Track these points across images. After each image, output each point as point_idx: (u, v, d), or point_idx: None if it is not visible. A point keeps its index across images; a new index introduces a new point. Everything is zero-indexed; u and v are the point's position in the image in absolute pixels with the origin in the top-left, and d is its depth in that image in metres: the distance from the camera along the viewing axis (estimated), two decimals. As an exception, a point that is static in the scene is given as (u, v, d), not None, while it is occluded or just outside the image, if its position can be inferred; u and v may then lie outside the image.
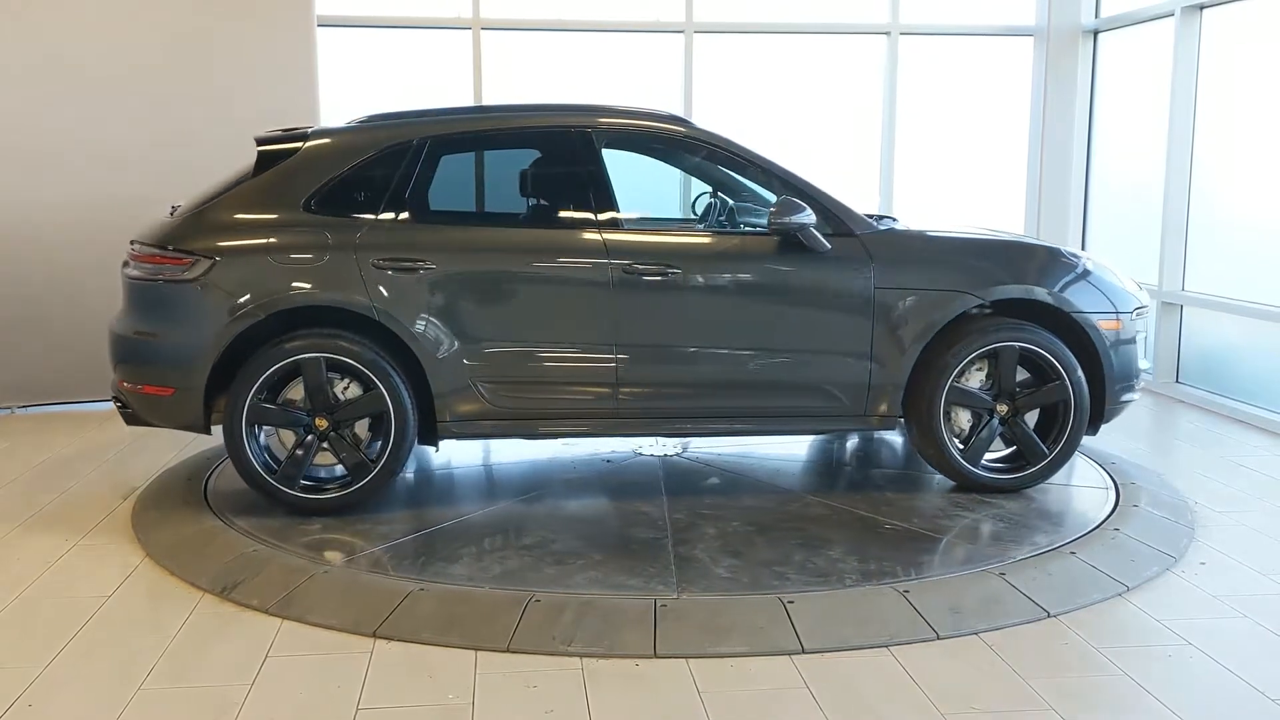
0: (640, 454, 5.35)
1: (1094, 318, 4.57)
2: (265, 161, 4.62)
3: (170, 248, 4.42)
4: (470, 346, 4.43)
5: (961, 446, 4.59)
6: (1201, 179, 6.90)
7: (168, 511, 4.58)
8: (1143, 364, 4.83)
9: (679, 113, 4.89)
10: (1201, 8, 6.83)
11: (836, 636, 3.38)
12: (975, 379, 4.60)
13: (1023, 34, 8.16)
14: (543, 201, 4.77)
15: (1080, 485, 4.84)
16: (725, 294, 4.53)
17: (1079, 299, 4.58)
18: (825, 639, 3.36)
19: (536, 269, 4.49)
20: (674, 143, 4.79)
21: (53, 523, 4.54)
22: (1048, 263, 4.70)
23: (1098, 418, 4.66)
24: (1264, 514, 4.58)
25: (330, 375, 4.38)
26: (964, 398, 4.56)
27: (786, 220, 4.39)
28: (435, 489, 5.09)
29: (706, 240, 4.70)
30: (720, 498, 4.69)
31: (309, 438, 4.39)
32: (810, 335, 4.53)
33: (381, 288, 4.38)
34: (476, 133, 4.76)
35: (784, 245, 4.48)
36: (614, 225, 4.51)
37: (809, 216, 4.41)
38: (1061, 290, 4.58)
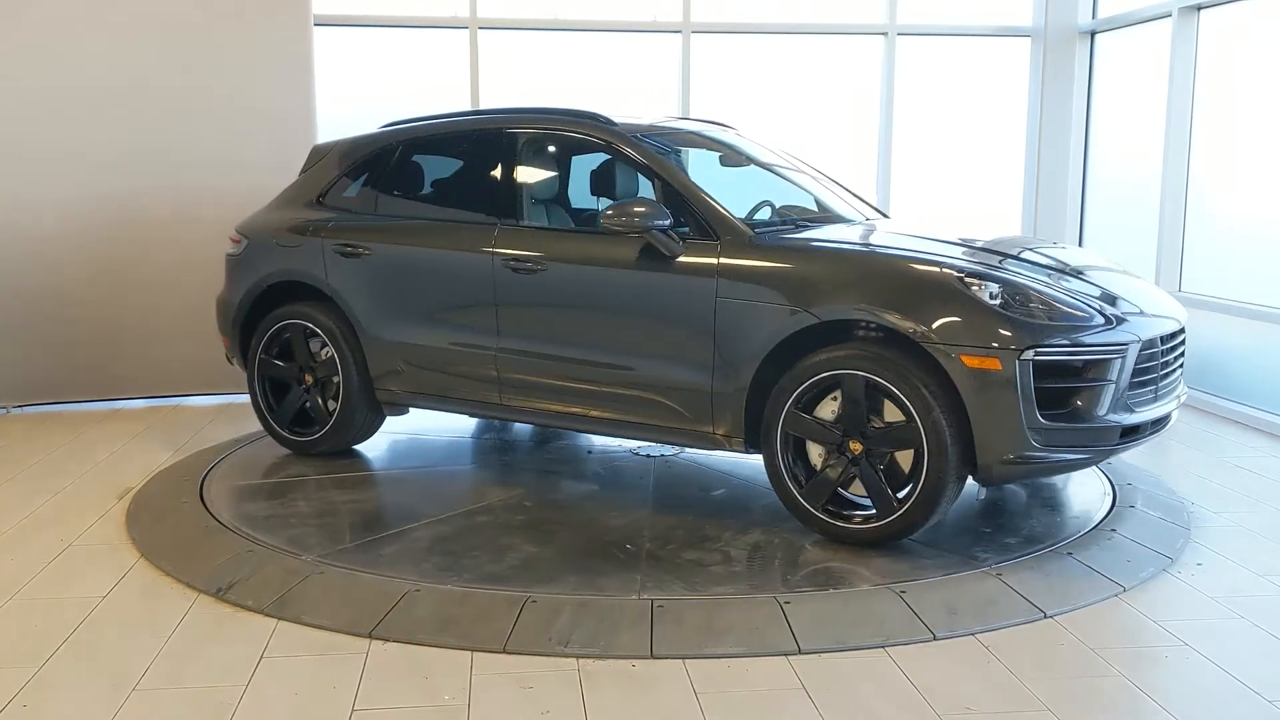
0: (635, 454, 5.37)
1: (953, 349, 3.76)
2: (309, 164, 5.62)
3: (235, 232, 5.62)
4: (393, 326, 5.01)
5: (802, 483, 4.09)
6: (1199, 180, 6.90)
7: (163, 512, 4.57)
8: (1112, 414, 3.86)
9: (602, 112, 4.85)
10: (1199, 8, 6.84)
11: (833, 637, 3.37)
12: (828, 409, 4.02)
13: (1020, 35, 8.17)
14: (463, 199, 5.20)
15: (1077, 486, 4.83)
16: (580, 293, 4.54)
17: (944, 326, 3.78)
18: (822, 640, 3.35)
19: (441, 262, 4.90)
20: (583, 142, 4.89)
21: (48, 523, 4.53)
22: (914, 281, 3.95)
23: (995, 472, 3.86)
24: (1261, 515, 4.58)
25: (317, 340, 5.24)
26: (805, 428, 4.04)
27: (621, 221, 4.24)
28: (398, 450, 5.65)
29: (574, 239, 4.70)
30: (579, 496, 4.80)
31: (301, 390, 5.30)
32: (652, 341, 4.34)
33: (336, 269, 5.15)
34: (432, 138, 5.29)
35: (645, 249, 4.31)
36: (513, 222, 4.79)
37: (653, 219, 4.22)
38: (917, 313, 3.82)
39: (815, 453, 4.08)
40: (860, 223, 4.94)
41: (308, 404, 5.31)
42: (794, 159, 5.50)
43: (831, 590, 3.67)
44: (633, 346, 4.40)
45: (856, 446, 3.96)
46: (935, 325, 3.80)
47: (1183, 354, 4.35)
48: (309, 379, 5.27)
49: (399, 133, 5.35)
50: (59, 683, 3.16)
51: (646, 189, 4.69)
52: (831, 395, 4.00)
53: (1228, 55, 6.71)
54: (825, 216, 4.98)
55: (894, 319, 3.86)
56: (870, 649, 3.32)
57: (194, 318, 6.70)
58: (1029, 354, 3.72)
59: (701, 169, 5.20)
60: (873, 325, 3.97)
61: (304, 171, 5.59)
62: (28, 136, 6.39)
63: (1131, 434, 3.98)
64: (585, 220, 5.24)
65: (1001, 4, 8.21)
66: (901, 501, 3.90)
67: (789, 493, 4.11)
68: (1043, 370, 3.75)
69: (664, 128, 5.33)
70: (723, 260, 4.20)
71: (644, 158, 4.58)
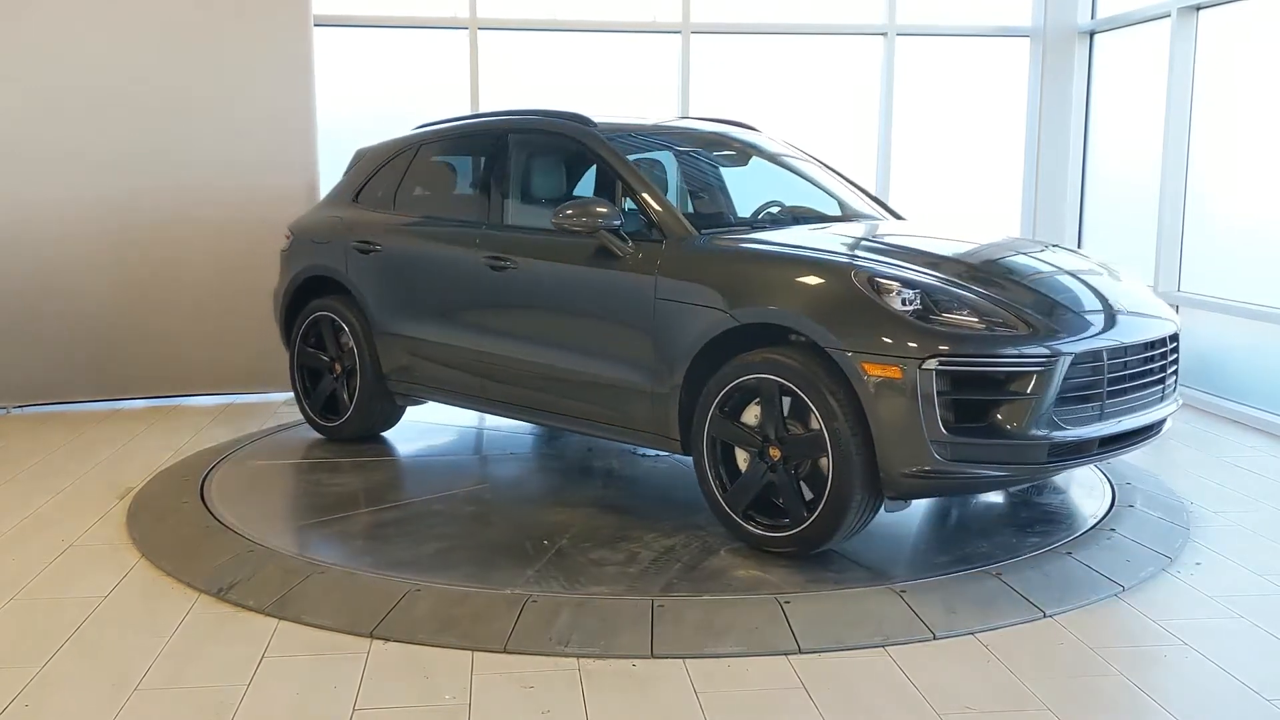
0: (632, 453, 5.37)
1: (855, 355, 3.63)
2: (350, 166, 5.89)
3: (287, 229, 5.92)
4: (398, 320, 5.22)
5: (726, 487, 4.02)
6: (1198, 180, 6.91)
7: (164, 512, 4.58)
8: (1039, 431, 3.60)
9: (585, 113, 4.92)
10: (1198, 8, 6.84)
11: (833, 637, 3.38)
12: (753, 414, 3.93)
13: (1019, 35, 8.17)
14: (458, 199, 5.41)
15: (1076, 486, 4.84)
16: (545, 291, 4.62)
17: (848, 331, 3.67)
18: (821, 639, 3.36)
19: (437, 260, 5.07)
20: (562, 142, 4.93)
21: (48, 523, 4.53)
22: (823, 284, 3.83)
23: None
24: (1260, 514, 4.59)
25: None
26: (728, 432, 3.98)
27: (573, 220, 4.29)
28: (427, 438, 5.86)
29: (545, 239, 4.66)
30: (541, 490, 4.94)
31: (331, 378, 5.57)
32: (602, 339, 4.39)
33: (355, 265, 5.40)
34: (438, 140, 5.49)
35: (599, 249, 4.35)
36: (498, 220, 4.92)
37: (603, 219, 4.26)
38: (823, 317, 3.74)
39: (742, 458, 4.00)
40: (860, 223, 4.93)
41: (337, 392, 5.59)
42: (810, 159, 5.48)
43: (830, 590, 3.67)
44: (586, 344, 4.46)
45: (776, 452, 3.85)
46: (839, 330, 3.69)
47: (1164, 365, 4.11)
48: (338, 368, 5.53)
49: (414, 135, 5.60)
50: (60, 682, 3.16)
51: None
52: (756, 400, 3.91)
53: (1227, 55, 6.71)
54: (821, 217, 4.96)
55: (802, 322, 3.80)
56: (870, 648, 3.33)
57: (194, 317, 6.71)
58: (931, 363, 3.54)
59: (704, 169, 5.22)
60: (739, 323, 3.93)
61: (346, 173, 5.88)
62: (28, 136, 6.38)
63: (1069, 452, 3.74)
64: None
65: (1001, 4, 8.20)
66: (810, 511, 3.78)
67: (713, 496, 4.05)
68: (951, 380, 3.57)
69: (672, 128, 5.39)
70: (663, 261, 4.21)
71: (608, 158, 4.62)
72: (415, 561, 3.97)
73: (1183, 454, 5.57)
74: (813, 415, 3.72)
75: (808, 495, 3.82)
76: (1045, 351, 3.65)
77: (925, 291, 3.73)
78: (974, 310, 3.71)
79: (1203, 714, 2.97)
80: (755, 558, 3.94)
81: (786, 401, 3.81)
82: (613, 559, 3.96)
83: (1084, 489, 4.78)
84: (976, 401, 3.62)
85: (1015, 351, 3.63)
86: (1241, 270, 6.57)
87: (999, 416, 3.61)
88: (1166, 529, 4.33)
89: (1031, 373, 3.61)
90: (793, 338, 3.88)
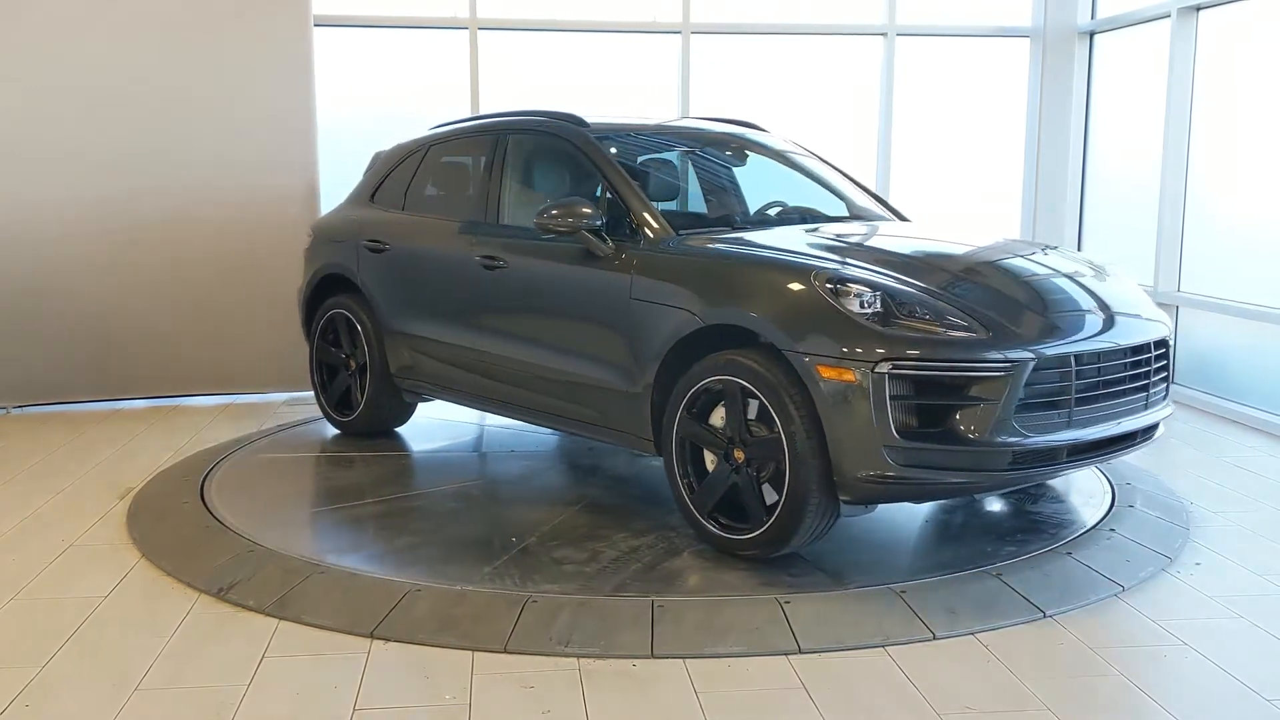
0: (631, 452, 5.36)
1: (810, 357, 3.58)
2: (368, 168, 5.98)
3: (309, 229, 6.07)
4: (402, 318, 5.31)
5: (694, 489, 3.99)
6: (1198, 180, 6.91)
7: (164, 512, 4.58)
8: (1000, 438, 3.51)
9: (580, 113, 4.95)
10: (1198, 9, 6.84)
11: (833, 637, 3.38)
12: (718, 416, 3.90)
13: (1019, 35, 8.17)
14: (458, 199, 5.41)
15: (1076, 486, 4.84)
16: (532, 291, 4.66)
17: (803, 333, 3.62)
18: (822, 639, 3.36)
19: (436, 259, 5.15)
20: (554, 142, 4.93)
21: (48, 523, 4.54)
22: (783, 286, 3.79)
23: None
24: (1260, 514, 4.59)
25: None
26: (695, 434, 3.96)
27: (554, 221, 4.31)
28: (440, 434, 5.96)
29: (534, 239, 4.63)
30: (527, 488, 4.94)
31: (346, 374, 5.67)
32: (581, 338, 4.41)
33: (365, 264, 5.50)
34: (445, 141, 5.56)
35: (582, 248, 4.37)
36: (493, 220, 4.99)
37: (582, 220, 4.27)
38: (781, 319, 3.70)
39: (710, 459, 3.97)
40: (854, 224, 4.92)
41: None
42: (814, 158, 5.48)
43: (831, 590, 3.67)
44: (570, 343, 4.48)
45: (740, 454, 3.81)
46: (795, 332, 3.65)
47: (1148, 370, 3.98)
48: (352, 365, 5.65)
49: (425, 136, 5.69)
50: (61, 683, 3.16)
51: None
52: (722, 402, 3.87)
53: (1227, 55, 6.71)
54: (822, 218, 4.95)
55: (761, 323, 3.76)
56: (870, 648, 3.33)
57: (194, 317, 6.71)
58: (884, 367, 3.47)
59: (701, 169, 5.23)
60: (705, 324, 3.92)
61: (365, 174, 5.97)
62: (28, 136, 6.39)
63: (1034, 460, 3.64)
64: None
65: (1001, 4, 8.20)
66: (769, 513, 3.74)
67: (681, 498, 4.04)
68: (907, 385, 3.50)
69: (672, 128, 5.40)
70: (638, 261, 4.22)
71: (594, 158, 4.63)
72: (385, 557, 4.07)
73: (1183, 454, 5.57)
74: (773, 418, 3.69)
75: (771, 498, 3.76)
76: (1003, 357, 3.55)
77: (887, 294, 3.66)
78: (935, 314, 3.64)
79: (1203, 714, 2.97)
80: (716, 561, 3.92)
81: (753, 404, 3.77)
82: (574, 558, 3.97)
83: (1083, 490, 4.78)
84: (935, 406, 3.55)
85: (972, 356, 3.53)
86: (1241, 270, 6.57)
87: (957, 422, 3.53)
88: (1166, 529, 4.33)
89: (989, 378, 3.53)
90: (761, 339, 3.83)
